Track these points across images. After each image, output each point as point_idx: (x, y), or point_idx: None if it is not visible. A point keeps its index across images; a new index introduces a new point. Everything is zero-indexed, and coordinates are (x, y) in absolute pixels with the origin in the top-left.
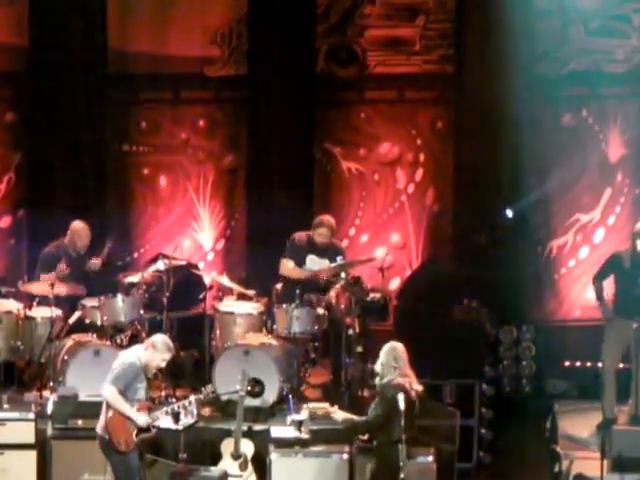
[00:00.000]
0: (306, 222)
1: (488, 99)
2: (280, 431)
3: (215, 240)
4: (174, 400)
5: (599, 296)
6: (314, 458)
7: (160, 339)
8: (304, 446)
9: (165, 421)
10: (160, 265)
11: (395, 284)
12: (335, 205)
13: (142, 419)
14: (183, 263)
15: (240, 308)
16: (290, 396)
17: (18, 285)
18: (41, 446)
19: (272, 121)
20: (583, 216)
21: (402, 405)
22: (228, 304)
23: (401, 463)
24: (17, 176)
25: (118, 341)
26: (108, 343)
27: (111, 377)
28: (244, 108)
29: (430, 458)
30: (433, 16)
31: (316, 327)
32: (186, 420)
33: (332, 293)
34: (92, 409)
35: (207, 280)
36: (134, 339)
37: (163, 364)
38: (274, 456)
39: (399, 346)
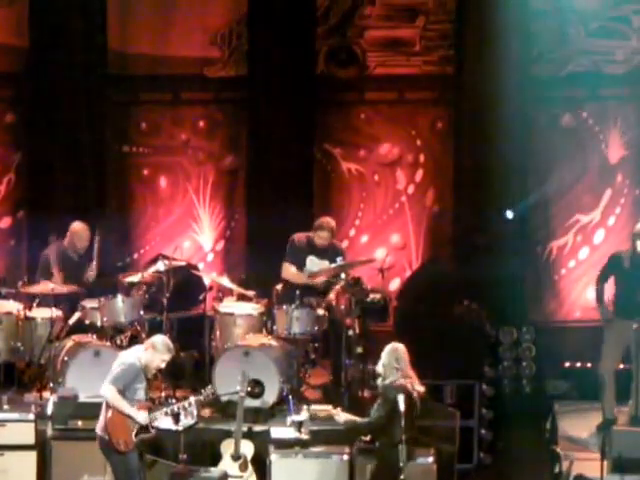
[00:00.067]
0: (306, 223)
1: (488, 100)
2: (280, 432)
3: (215, 241)
4: (174, 401)
5: (599, 298)
6: (314, 459)
7: (160, 340)
8: (304, 447)
9: (165, 422)
10: (160, 266)
11: (395, 285)
12: (335, 206)
13: (142, 417)
14: (183, 264)
15: (240, 309)
16: (290, 397)
17: (18, 286)
18: (41, 447)
19: (272, 122)
20: (583, 217)
21: (402, 406)
22: (228, 305)
23: (401, 464)
24: (17, 177)
25: (118, 342)
26: (108, 344)
27: (111, 377)
28: (244, 109)
29: (430, 459)
30: (433, 17)
31: (316, 328)
32: (186, 421)
33: (332, 294)
34: (92, 410)
35: (207, 281)
36: (134, 340)
37: (163, 365)
38: (274, 457)
39: (400, 347)
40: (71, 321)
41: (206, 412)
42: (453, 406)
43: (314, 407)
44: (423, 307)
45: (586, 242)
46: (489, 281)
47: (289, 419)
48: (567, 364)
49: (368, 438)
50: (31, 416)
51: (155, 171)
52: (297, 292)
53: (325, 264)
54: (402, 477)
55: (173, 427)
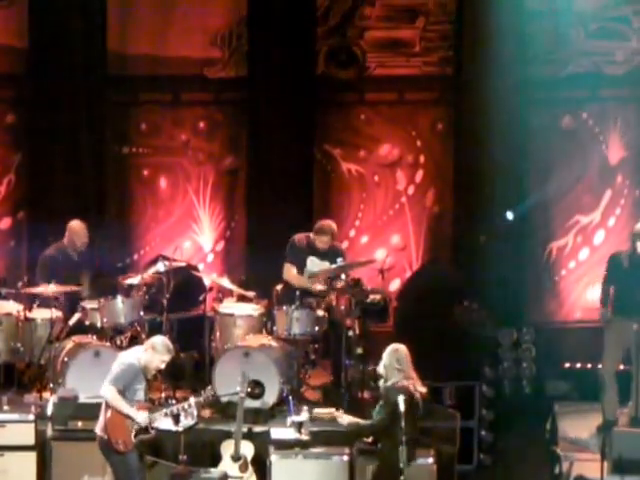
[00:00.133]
0: (306, 223)
1: (488, 101)
2: (280, 432)
3: (215, 242)
4: (174, 402)
5: (604, 300)
6: (314, 460)
7: (160, 340)
8: (304, 448)
9: (165, 422)
10: (160, 267)
11: (395, 285)
12: (335, 206)
13: (142, 417)
14: (183, 265)
15: (240, 310)
16: (290, 397)
17: (18, 287)
18: (41, 447)
19: (272, 122)
20: (583, 218)
21: (402, 407)
22: (228, 306)
23: (401, 465)
24: (17, 177)
25: (118, 343)
26: (108, 344)
27: (110, 377)
28: (244, 110)
29: (430, 460)
30: (433, 18)
31: (316, 329)
32: (186, 421)
33: (332, 295)
34: (92, 410)
35: (207, 282)
36: (134, 341)
37: (162, 365)
38: (274, 458)
39: (402, 348)
40: (71, 322)
41: (206, 413)
42: (453, 407)
43: (317, 410)
44: (423, 308)
45: (586, 243)
46: (489, 282)
47: (289, 420)
48: (567, 365)
49: (370, 440)
50: (31, 417)
51: (155, 172)
52: (297, 293)
53: (325, 265)
54: (402, 478)
55: (173, 428)
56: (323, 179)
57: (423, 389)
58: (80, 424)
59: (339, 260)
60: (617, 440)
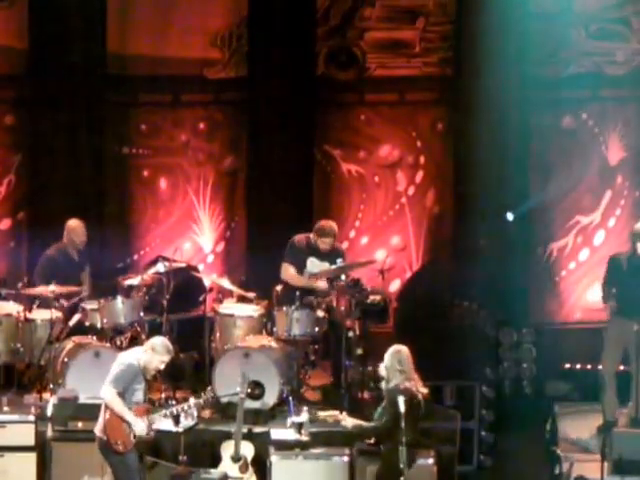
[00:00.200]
0: (306, 224)
1: (488, 101)
2: (280, 433)
3: (215, 242)
4: (174, 402)
5: (607, 298)
6: (314, 460)
7: (159, 341)
8: (304, 448)
9: (165, 423)
10: (160, 267)
11: (395, 286)
12: (335, 207)
13: (140, 426)
14: (183, 265)
15: (240, 310)
16: (290, 398)
17: (18, 287)
18: (41, 448)
19: (272, 123)
20: (583, 218)
21: (402, 408)
22: (228, 306)
23: (401, 465)
24: (17, 178)
25: (118, 343)
26: (108, 345)
27: (110, 379)
28: (244, 110)
29: (430, 460)
30: (433, 18)
31: (316, 329)
32: (186, 422)
33: (332, 295)
34: (92, 411)
35: (207, 282)
36: (134, 341)
37: (162, 366)
38: (274, 458)
39: (403, 349)
40: (71, 322)
41: (206, 413)
42: (453, 407)
43: (322, 413)
44: (423, 308)
45: (586, 243)
46: (489, 282)
47: (289, 420)
48: (567, 365)
49: (372, 441)
50: (31, 417)
51: (155, 172)
52: (297, 293)
53: (325, 266)
54: (402, 479)
55: (173, 428)
56: (323, 180)
57: (424, 390)
58: (80, 425)
59: (339, 261)
60: (617, 441)
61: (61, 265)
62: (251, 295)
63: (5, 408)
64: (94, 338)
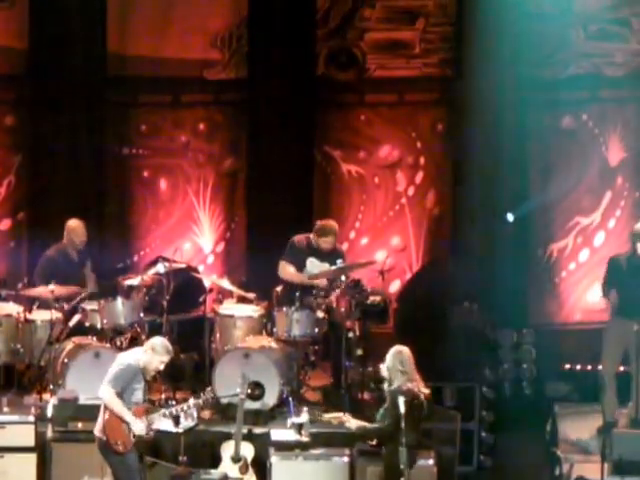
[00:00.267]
0: (306, 225)
1: (488, 102)
2: (280, 434)
3: (215, 243)
4: (174, 403)
5: (607, 295)
6: (314, 461)
7: (159, 342)
8: (304, 449)
9: (165, 424)
10: (160, 268)
11: (395, 287)
12: (335, 208)
13: (138, 426)
14: (183, 266)
15: (240, 311)
16: (290, 399)
17: (18, 288)
18: (41, 449)
19: (272, 124)
20: (583, 219)
21: (402, 409)
22: (228, 307)
23: (402, 466)
24: (17, 179)
25: (118, 344)
26: (108, 346)
27: (108, 378)
28: (244, 111)
29: (431, 461)
30: (433, 19)
31: (316, 330)
32: (186, 423)
33: (332, 296)
34: (92, 412)
35: (207, 283)
36: (134, 342)
37: (161, 367)
38: (274, 459)
39: (405, 350)
40: (71, 323)
41: (206, 414)
42: (453, 408)
43: (327, 415)
44: (423, 309)
45: (586, 244)
46: (489, 283)
47: (289, 421)
48: (567, 366)
49: (374, 442)
50: (31, 418)
51: (155, 173)
52: (297, 294)
53: (325, 266)
54: None
55: (173, 429)
56: (323, 180)
57: (426, 390)
58: (80, 425)
59: (339, 261)
60: (617, 441)
61: (61, 265)
62: (251, 296)
63: (5, 409)
64: (94, 339)
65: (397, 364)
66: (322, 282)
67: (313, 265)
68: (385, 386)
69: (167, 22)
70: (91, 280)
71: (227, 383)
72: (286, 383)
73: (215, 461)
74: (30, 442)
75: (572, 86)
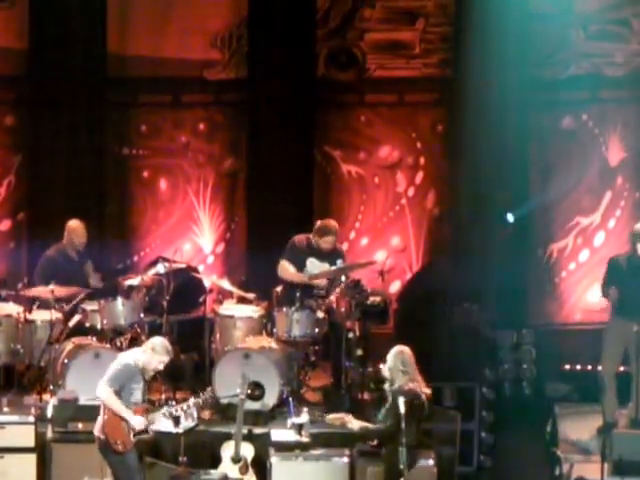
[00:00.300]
0: (306, 225)
1: (488, 102)
2: (280, 434)
3: (215, 243)
4: (174, 403)
5: (606, 293)
6: (314, 461)
7: (159, 342)
8: (304, 449)
9: (165, 424)
10: (160, 268)
11: (395, 287)
12: (335, 208)
13: (137, 421)
14: (183, 266)
15: (240, 311)
16: (290, 399)
17: (18, 288)
18: (41, 449)
19: (272, 124)
20: (583, 219)
21: (402, 409)
22: (228, 307)
23: (401, 466)
24: (17, 179)
25: (118, 344)
26: (108, 346)
27: (106, 378)
28: (244, 111)
29: (431, 462)
30: (433, 19)
31: (316, 330)
32: (186, 423)
33: (332, 296)
34: (92, 412)
35: (207, 283)
36: (134, 342)
37: (161, 367)
38: (274, 459)
39: (406, 350)
40: (71, 323)
41: (206, 414)
42: (453, 408)
43: (331, 416)
44: (423, 309)
45: (586, 245)
46: (489, 283)
47: (289, 421)
48: (567, 367)
49: (376, 442)
50: (31, 418)
51: (155, 173)
52: (297, 294)
53: (325, 267)
54: None
55: (173, 430)
56: (323, 181)
57: (427, 390)
58: (80, 426)
59: (339, 262)
60: (617, 442)
61: (61, 266)
62: (251, 296)
63: (5, 409)
64: (94, 339)
65: (398, 364)
66: (322, 282)
67: (313, 265)
68: (387, 386)
69: (167, 22)
70: (95, 277)
71: (227, 383)
72: (286, 383)
73: (215, 461)
74: (30, 443)
75: (572, 86)
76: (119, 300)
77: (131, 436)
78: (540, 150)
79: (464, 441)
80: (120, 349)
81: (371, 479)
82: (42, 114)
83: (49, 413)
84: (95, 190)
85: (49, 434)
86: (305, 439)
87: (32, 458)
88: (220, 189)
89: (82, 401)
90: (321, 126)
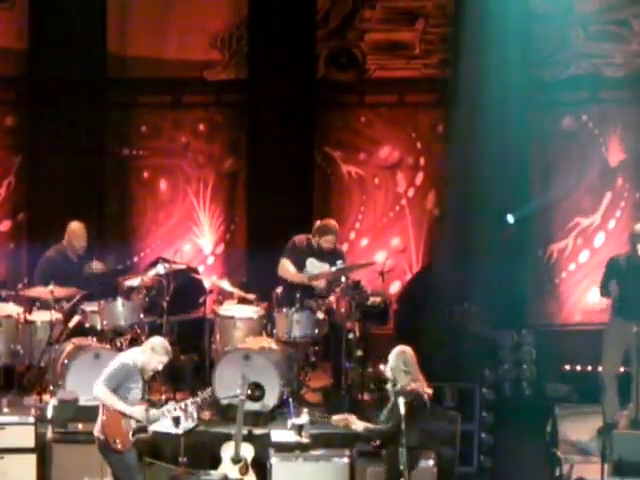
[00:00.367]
0: (306, 226)
1: (488, 103)
2: (280, 435)
3: (215, 244)
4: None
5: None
6: (314, 462)
7: (158, 342)
8: (304, 450)
9: (165, 424)
10: (160, 269)
11: (395, 288)
12: (335, 209)
13: (137, 411)
14: (183, 267)
15: (240, 312)
16: (290, 400)
17: (18, 289)
18: (41, 450)
19: (272, 125)
20: (583, 220)
21: (402, 410)
22: (228, 308)
23: (401, 467)
24: (17, 180)
25: (118, 345)
26: (108, 347)
27: (103, 377)
28: (244, 112)
29: (431, 462)
30: (433, 20)
31: (316, 331)
32: (186, 424)
33: (332, 297)
34: (92, 413)
35: (207, 284)
36: (134, 343)
37: (160, 367)
38: (274, 460)
39: (408, 350)
40: (71, 324)
41: (206, 415)
42: (453, 409)
43: (335, 417)
44: (423, 310)
45: (586, 245)
46: (489, 284)
47: (289, 422)
48: (567, 367)
49: (378, 443)
50: (31, 419)
51: (155, 174)
52: (297, 295)
53: (325, 267)
54: None
55: (174, 430)
56: (323, 181)
57: (429, 390)
58: (80, 426)
59: (339, 262)
60: (617, 442)
61: (60, 266)
62: (251, 297)
63: (5, 410)
64: (94, 340)
65: (400, 364)
66: (320, 283)
67: (313, 266)
68: (389, 386)
69: (167, 23)
70: (97, 263)
71: (227, 384)
72: (286, 384)
73: (215, 462)
74: (30, 443)
75: (572, 87)
76: (119, 301)
77: (130, 435)
78: (540, 150)
79: (464, 442)
80: (120, 350)
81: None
82: (42, 114)
83: (49, 414)
84: (95, 191)
85: (49, 435)
86: (305, 440)
87: (32, 459)
88: (220, 190)
89: (82, 402)
90: (321, 127)
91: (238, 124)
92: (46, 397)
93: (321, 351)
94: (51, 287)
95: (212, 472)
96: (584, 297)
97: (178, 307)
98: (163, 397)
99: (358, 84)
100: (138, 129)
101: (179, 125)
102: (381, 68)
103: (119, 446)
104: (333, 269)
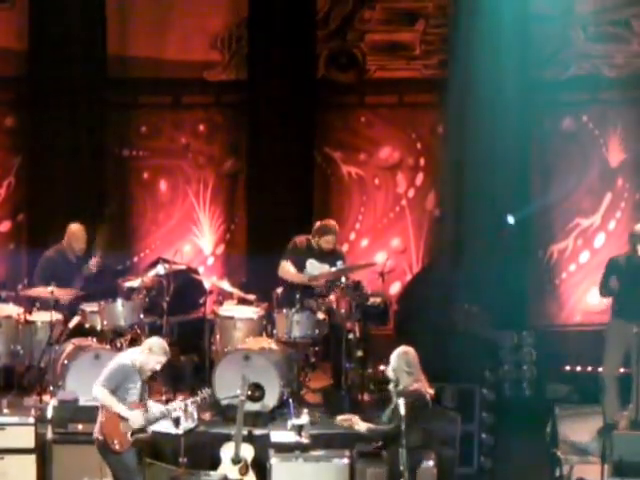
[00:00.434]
0: (306, 226)
1: (488, 104)
2: (280, 435)
3: (215, 244)
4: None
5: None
6: (314, 462)
7: (157, 342)
8: (304, 451)
9: (165, 425)
10: (160, 269)
11: (395, 288)
12: (335, 209)
13: (134, 416)
14: (183, 267)
15: (240, 312)
16: (290, 400)
17: (18, 289)
18: (41, 450)
19: (272, 125)
20: (584, 221)
21: (402, 410)
22: (228, 308)
23: (401, 467)
24: (17, 180)
25: (118, 345)
26: (108, 347)
27: (101, 378)
28: (244, 112)
29: (431, 463)
30: (433, 20)
31: (316, 331)
32: (186, 424)
33: (332, 297)
34: (92, 413)
35: (207, 284)
36: (134, 343)
37: (158, 367)
38: (274, 461)
39: (410, 350)
40: (71, 324)
41: (206, 415)
42: (454, 410)
43: (339, 418)
44: (423, 311)
45: (587, 246)
46: (490, 284)
47: (289, 423)
48: (568, 368)
49: (380, 443)
50: (31, 419)
51: (155, 175)
52: (297, 296)
53: (325, 268)
54: None
55: (173, 431)
56: (323, 182)
57: (431, 391)
58: (80, 427)
59: (339, 263)
60: (617, 443)
61: (60, 266)
62: (251, 297)
63: (5, 410)
64: (94, 340)
65: (403, 365)
66: (320, 283)
67: (313, 266)
68: (391, 387)
69: (167, 23)
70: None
71: (227, 385)
72: (286, 385)
73: (215, 463)
74: (30, 444)
75: (572, 87)
76: (119, 301)
77: (128, 436)
78: (540, 151)
79: (464, 442)
80: (120, 350)
81: None
82: (42, 114)
83: (49, 414)
84: (95, 191)
85: (49, 435)
86: (305, 440)
87: (32, 459)
88: (220, 190)
89: (82, 402)
90: (321, 127)
91: (238, 125)
92: (46, 397)
93: (321, 351)
94: (51, 287)
95: (212, 472)
96: (584, 298)
97: (178, 307)
98: (163, 398)
99: (358, 85)
100: (138, 129)
101: (179, 126)
102: (381, 69)
103: (117, 447)
104: (333, 270)
